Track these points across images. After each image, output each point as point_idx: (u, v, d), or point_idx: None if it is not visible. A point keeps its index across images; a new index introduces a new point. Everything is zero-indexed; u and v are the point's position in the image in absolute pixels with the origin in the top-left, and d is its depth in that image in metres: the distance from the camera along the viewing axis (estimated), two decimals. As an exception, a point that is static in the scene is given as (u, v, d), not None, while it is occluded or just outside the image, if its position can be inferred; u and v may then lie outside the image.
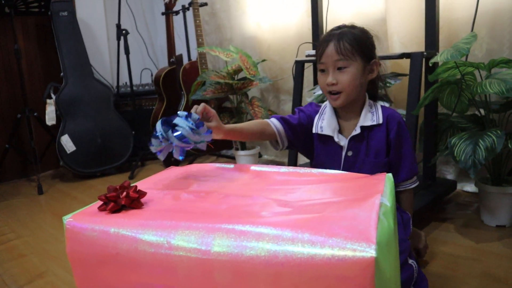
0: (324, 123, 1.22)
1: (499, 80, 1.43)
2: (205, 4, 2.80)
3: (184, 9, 2.84)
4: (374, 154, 1.17)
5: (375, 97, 1.26)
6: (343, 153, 1.19)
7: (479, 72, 1.67)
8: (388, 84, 1.82)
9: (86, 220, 0.78)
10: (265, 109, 2.36)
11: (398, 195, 1.21)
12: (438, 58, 1.50)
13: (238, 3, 2.88)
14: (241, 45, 2.89)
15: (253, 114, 2.34)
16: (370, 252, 0.59)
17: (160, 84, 2.85)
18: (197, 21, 2.64)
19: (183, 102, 2.67)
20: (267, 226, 0.66)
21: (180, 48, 3.17)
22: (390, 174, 0.95)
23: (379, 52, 2.14)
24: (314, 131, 1.23)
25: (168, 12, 2.94)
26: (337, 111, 1.23)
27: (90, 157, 2.81)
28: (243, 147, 2.53)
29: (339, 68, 1.12)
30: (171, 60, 2.91)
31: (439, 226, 1.67)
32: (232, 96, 2.52)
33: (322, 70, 1.16)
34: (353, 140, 1.18)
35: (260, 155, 2.84)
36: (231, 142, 2.75)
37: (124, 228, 0.74)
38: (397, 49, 2.05)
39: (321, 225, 0.65)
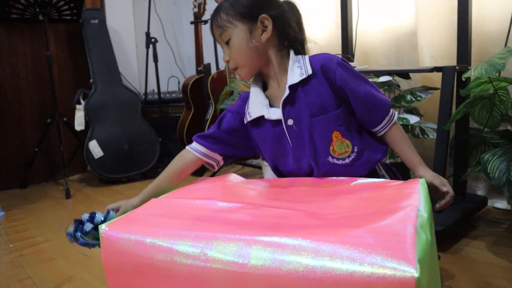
0: (250, 107, 1.08)
1: (536, 96, 1.40)
2: (234, 14, 2.83)
3: (213, 18, 2.87)
4: (320, 110, 1.00)
5: (296, 51, 1.07)
6: (284, 126, 1.03)
7: (514, 87, 1.64)
8: (419, 98, 1.80)
9: (122, 230, 0.79)
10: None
11: (385, 137, 1.06)
12: (472, 73, 1.47)
13: (265, 13, 2.90)
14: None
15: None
16: (410, 271, 0.58)
17: (188, 92, 2.89)
18: (225, 31, 2.66)
19: (211, 111, 2.69)
20: (304, 239, 0.66)
21: (207, 56, 3.20)
22: (423, 180, 0.93)
23: (409, 65, 2.13)
24: (245, 122, 1.10)
25: (197, 21, 2.98)
26: (264, 85, 1.09)
27: (117, 162, 2.85)
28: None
29: (227, 42, 1.02)
30: (199, 68, 2.94)
31: (469, 244, 1.63)
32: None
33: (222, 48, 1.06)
34: (287, 105, 1.02)
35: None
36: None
37: (160, 238, 0.74)
38: (427, 63, 2.02)
39: (359, 240, 0.64)
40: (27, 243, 1.93)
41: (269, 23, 1.01)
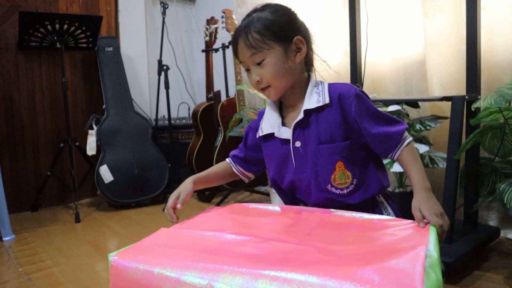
0: (264, 122, 1.11)
1: (546, 127, 1.40)
2: (244, 42, 2.89)
3: (224, 47, 2.93)
4: (329, 139, 1.01)
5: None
6: (291, 146, 1.05)
7: (524, 117, 1.63)
8: (428, 127, 1.80)
9: (131, 259, 0.80)
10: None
11: (397, 159, 1.05)
12: (481, 103, 1.48)
13: (276, 41, 2.95)
14: (277, 82, 2.94)
15: (288, 151, 2.35)
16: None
17: (198, 119, 2.92)
18: (236, 59, 2.71)
19: (220, 138, 2.71)
20: (311, 275, 0.65)
21: (218, 84, 3.25)
22: (434, 228, 0.92)
23: (418, 93, 2.14)
24: (257, 136, 1.13)
25: (208, 49, 3.04)
26: (281, 103, 1.11)
27: (127, 187, 2.87)
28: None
29: (258, 63, 1.01)
30: (209, 95, 2.99)
31: (482, 277, 1.59)
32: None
33: (247, 69, 1.06)
34: (298, 127, 1.03)
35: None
36: (266, 178, 2.75)
37: (168, 269, 0.75)
38: (437, 91, 2.03)
39: (367, 277, 0.64)
40: (36, 267, 1.94)
41: (303, 45, 1.03)
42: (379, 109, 1.05)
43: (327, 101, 1.01)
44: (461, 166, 1.84)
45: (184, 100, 3.70)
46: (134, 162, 2.92)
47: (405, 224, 0.92)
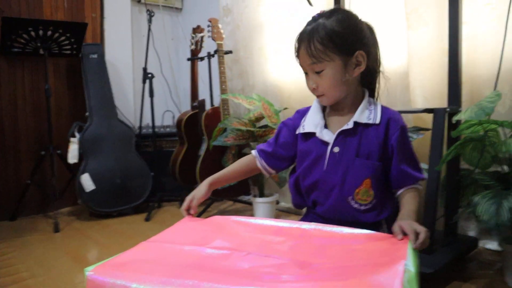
0: (307, 120, 1.14)
1: (525, 140, 1.42)
2: (230, 52, 2.89)
3: (209, 56, 2.93)
4: (366, 155, 1.05)
5: (373, 91, 1.15)
6: (328, 149, 1.08)
7: (503, 128, 1.66)
8: (410, 139, 1.82)
9: (108, 274, 0.78)
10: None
11: (400, 195, 1.09)
12: (462, 116, 1.50)
13: (261, 51, 2.97)
14: (263, 92, 2.94)
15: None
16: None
17: (182, 128, 2.90)
18: (222, 68, 2.71)
19: (204, 147, 2.70)
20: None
21: (203, 92, 3.24)
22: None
23: (401, 105, 2.16)
24: (296, 132, 1.16)
25: (194, 58, 3.04)
26: (325, 106, 1.15)
27: (108, 196, 2.83)
28: (261, 194, 2.53)
29: (317, 72, 1.03)
30: (194, 104, 2.98)
31: (461, 287, 1.60)
32: (253, 143, 2.54)
33: (305, 72, 1.08)
34: (342, 135, 1.07)
35: (277, 202, 2.82)
36: (248, 188, 2.74)
37: (146, 284, 0.73)
38: (420, 103, 2.06)
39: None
40: (12, 279, 1.88)
41: (363, 60, 1.04)
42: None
43: (378, 121, 1.06)
44: (442, 177, 1.87)
45: (169, 108, 3.68)
46: (116, 171, 2.88)
47: (385, 238, 0.92)
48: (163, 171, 3.09)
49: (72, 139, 2.87)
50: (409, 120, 2.13)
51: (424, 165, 1.85)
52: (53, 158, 2.72)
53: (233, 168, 1.26)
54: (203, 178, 2.64)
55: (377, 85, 1.16)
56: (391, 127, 1.05)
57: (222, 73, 2.71)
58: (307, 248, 0.89)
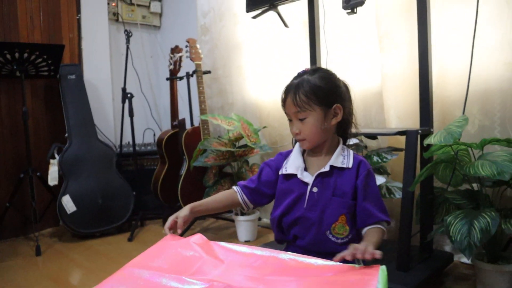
0: (289, 163, 1.26)
1: (490, 162, 1.50)
2: (209, 72, 2.93)
3: (188, 75, 2.96)
4: (341, 194, 1.18)
5: (345, 139, 1.28)
6: (308, 189, 1.20)
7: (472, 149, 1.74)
8: (384, 160, 1.89)
9: None
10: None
11: (364, 233, 1.18)
12: (432, 140, 1.57)
13: (239, 70, 3.02)
14: (242, 110, 2.99)
15: (253, 180, 2.39)
16: None
17: (163, 147, 2.92)
18: (200, 88, 2.75)
19: (185, 166, 2.72)
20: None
21: (183, 110, 3.27)
22: (384, 267, 0.97)
23: (376, 124, 2.24)
24: (279, 173, 1.28)
25: (173, 77, 3.07)
26: (305, 150, 1.27)
27: (90, 217, 2.82)
28: (243, 211, 2.56)
29: (301, 119, 1.18)
30: (174, 123, 3.00)
31: (437, 303, 1.67)
32: (234, 162, 2.58)
33: (290, 119, 1.22)
34: (320, 176, 1.20)
35: (259, 219, 2.85)
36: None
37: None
38: (394, 123, 2.13)
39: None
40: (-6, 308, 1.87)
41: (340, 112, 1.19)
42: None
43: (350, 165, 1.20)
44: (417, 195, 1.94)
45: (150, 126, 3.69)
46: (98, 191, 2.88)
47: (357, 270, 0.96)
48: (145, 190, 3.10)
49: (51, 160, 2.85)
50: (384, 140, 2.20)
51: (399, 184, 1.92)
52: (32, 180, 2.70)
53: (215, 199, 1.33)
54: (184, 197, 2.68)
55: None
56: (360, 169, 1.20)
57: (201, 93, 2.75)
58: (282, 280, 0.93)
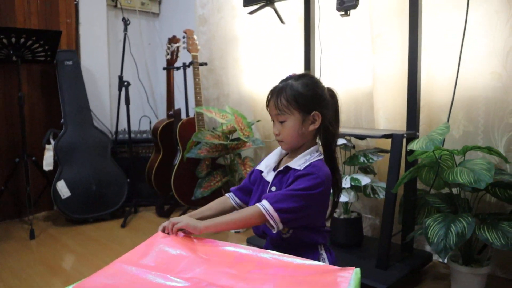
0: (264, 161, 1.35)
1: (469, 170, 1.55)
2: (205, 64, 2.96)
3: (185, 66, 2.99)
4: None
5: (326, 145, 1.29)
6: (267, 188, 1.27)
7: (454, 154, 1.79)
8: (370, 160, 1.94)
9: None
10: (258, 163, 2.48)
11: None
12: (414, 146, 1.62)
13: (236, 62, 3.05)
14: (237, 102, 3.03)
15: (245, 174, 2.44)
16: None
17: (158, 136, 2.97)
18: (196, 80, 2.78)
19: (179, 157, 2.77)
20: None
21: (179, 99, 3.31)
22: (358, 269, 1.03)
23: (366, 124, 2.29)
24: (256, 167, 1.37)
25: (170, 67, 3.09)
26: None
27: (84, 203, 2.89)
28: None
29: (281, 121, 1.23)
30: (170, 113, 3.04)
31: (413, 301, 1.75)
32: (227, 155, 2.63)
33: (272, 120, 1.27)
34: (278, 176, 1.27)
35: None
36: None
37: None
38: (382, 124, 2.18)
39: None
40: (-12, 291, 1.94)
41: (318, 119, 1.22)
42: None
43: (301, 169, 1.21)
44: (401, 195, 2.00)
45: (146, 113, 3.72)
46: (92, 178, 2.93)
47: (331, 271, 1.01)
48: (139, 177, 3.16)
49: (47, 146, 2.90)
50: (372, 141, 2.25)
51: (384, 185, 1.98)
52: (27, 165, 2.75)
53: (209, 207, 1.37)
54: (177, 186, 2.74)
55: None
56: (303, 171, 1.21)
57: (197, 85, 2.78)
58: (260, 278, 0.99)
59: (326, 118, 1.24)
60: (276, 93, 1.22)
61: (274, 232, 1.20)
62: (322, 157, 1.27)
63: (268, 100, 1.25)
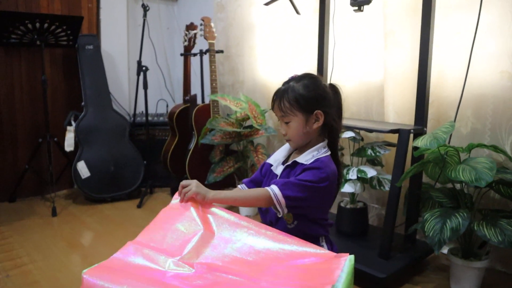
0: (274, 154, 1.43)
1: (471, 168, 1.60)
2: (221, 51, 3.02)
3: (202, 53, 3.05)
4: None
5: (332, 142, 1.36)
6: None
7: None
8: (377, 153, 2.00)
9: (101, 277, 0.95)
10: (268, 156, 2.55)
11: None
12: (419, 143, 1.68)
13: (251, 50, 3.10)
14: (251, 89, 3.09)
15: (257, 161, 2.53)
16: None
17: (174, 121, 3.06)
18: (213, 67, 2.85)
19: (194, 141, 2.87)
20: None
21: (196, 84, 3.38)
22: (352, 256, 1.08)
23: (376, 116, 2.33)
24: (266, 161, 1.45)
25: (187, 54, 3.17)
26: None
27: (103, 183, 3.02)
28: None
29: (286, 122, 1.30)
30: (186, 98, 3.12)
31: (409, 290, 1.83)
32: (240, 142, 2.71)
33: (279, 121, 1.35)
34: (286, 169, 1.34)
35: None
36: (234, 181, 2.93)
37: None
38: (392, 118, 2.22)
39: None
40: (14, 263, 2.09)
41: (321, 117, 1.29)
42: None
43: (308, 164, 1.28)
44: (407, 187, 2.06)
45: (163, 97, 3.82)
46: (110, 159, 3.06)
47: (326, 257, 1.08)
48: (155, 159, 3.27)
49: (68, 127, 3.02)
50: (381, 134, 2.30)
51: (390, 177, 2.04)
52: (49, 146, 2.89)
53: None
54: (191, 170, 2.85)
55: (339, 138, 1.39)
56: (307, 166, 1.28)
57: (212, 72, 2.85)
58: (260, 263, 1.07)
59: (329, 115, 1.30)
60: (279, 96, 1.29)
61: (280, 216, 1.27)
62: (329, 153, 1.33)
63: (273, 103, 1.32)
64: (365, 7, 2.01)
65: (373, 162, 2.18)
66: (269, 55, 2.97)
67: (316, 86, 1.29)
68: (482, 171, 1.57)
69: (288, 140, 1.35)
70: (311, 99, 1.27)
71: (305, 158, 1.31)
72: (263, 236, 1.18)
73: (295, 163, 1.32)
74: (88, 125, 3.05)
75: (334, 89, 1.34)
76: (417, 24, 1.97)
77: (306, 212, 1.31)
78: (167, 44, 3.91)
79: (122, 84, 3.55)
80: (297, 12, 2.47)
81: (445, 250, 2.17)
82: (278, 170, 1.37)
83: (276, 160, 1.40)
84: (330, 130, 1.35)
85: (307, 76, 1.31)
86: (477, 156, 1.81)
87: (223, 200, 1.25)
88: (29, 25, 2.81)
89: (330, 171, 1.27)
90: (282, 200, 1.23)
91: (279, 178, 1.34)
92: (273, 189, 1.24)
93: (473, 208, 1.82)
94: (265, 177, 1.43)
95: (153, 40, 3.68)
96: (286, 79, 1.33)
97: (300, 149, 1.37)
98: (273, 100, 1.32)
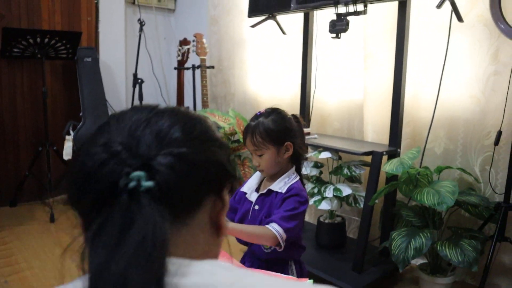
0: (247, 183, 1.51)
1: (435, 192, 1.72)
2: (212, 67, 3.15)
3: (194, 68, 3.17)
4: (269, 215, 1.39)
5: (298, 167, 1.47)
6: (251, 206, 1.45)
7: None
8: (353, 173, 2.12)
9: None
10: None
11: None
12: (387, 168, 1.80)
13: (242, 64, 3.22)
14: (242, 101, 3.22)
15: (243, 174, 2.65)
16: None
17: (167, 132, 3.19)
18: (204, 82, 2.98)
19: (184, 154, 3.00)
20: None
21: (189, 96, 3.50)
22: (311, 281, 1.20)
23: (357, 134, 2.45)
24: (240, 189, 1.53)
25: (180, 68, 3.29)
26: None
27: (99, 190, 3.15)
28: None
29: (259, 155, 1.40)
30: (179, 110, 3.25)
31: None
32: (227, 154, 2.83)
33: (251, 153, 1.45)
34: (261, 197, 1.44)
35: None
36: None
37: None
38: (370, 137, 2.34)
39: None
40: (12, 269, 2.22)
41: (291, 148, 1.40)
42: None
43: (284, 191, 1.40)
44: (381, 205, 2.18)
45: (159, 105, 3.94)
46: (107, 168, 3.18)
47: (286, 282, 1.21)
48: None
49: (67, 137, 3.16)
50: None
51: (363, 193, 2.17)
52: (49, 154, 3.03)
53: None
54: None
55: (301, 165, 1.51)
56: (287, 193, 1.39)
57: (204, 86, 2.98)
58: None
59: (296, 144, 1.42)
60: (250, 132, 1.39)
61: (280, 250, 1.37)
62: (298, 178, 1.45)
63: (244, 138, 1.43)
64: (342, 36, 2.12)
65: (352, 179, 2.30)
66: (259, 69, 3.09)
67: (284, 120, 1.41)
68: (445, 195, 1.69)
69: (261, 171, 1.46)
70: (281, 132, 1.38)
71: (278, 185, 1.42)
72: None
73: (270, 191, 1.43)
74: (86, 134, 3.17)
75: (297, 120, 1.46)
76: (394, 46, 2.08)
77: (294, 238, 1.42)
78: (163, 54, 4.03)
79: (119, 94, 3.69)
80: (283, 32, 2.59)
81: (419, 262, 2.30)
82: (253, 197, 1.46)
83: (250, 188, 1.50)
84: (297, 157, 1.47)
85: (274, 111, 1.42)
86: (449, 177, 1.93)
87: (230, 230, 1.32)
88: (31, 40, 2.94)
89: (305, 194, 1.41)
90: (284, 236, 1.33)
91: (254, 203, 1.44)
92: (275, 228, 1.31)
93: (442, 226, 1.94)
94: (239, 203, 1.53)
95: (150, 50, 3.81)
96: (253, 115, 1.44)
97: (271, 176, 1.47)
98: (245, 135, 1.42)
